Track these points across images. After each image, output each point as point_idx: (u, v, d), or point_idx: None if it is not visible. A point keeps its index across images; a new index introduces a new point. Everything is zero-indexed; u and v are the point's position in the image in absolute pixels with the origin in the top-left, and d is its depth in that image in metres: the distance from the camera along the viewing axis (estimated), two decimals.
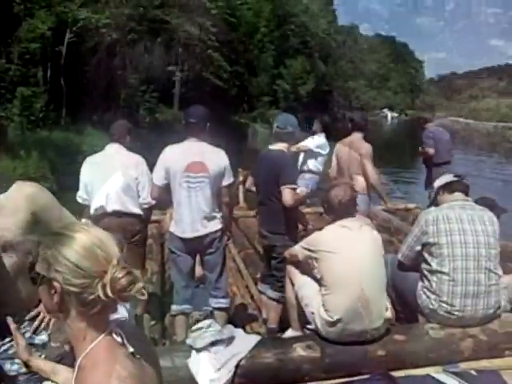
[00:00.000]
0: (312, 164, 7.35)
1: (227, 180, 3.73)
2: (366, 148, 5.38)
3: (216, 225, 3.72)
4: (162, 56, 27.87)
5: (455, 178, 3.61)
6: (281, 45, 48.02)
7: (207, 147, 3.70)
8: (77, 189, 4.13)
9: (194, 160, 3.60)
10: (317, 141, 7.21)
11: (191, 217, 3.65)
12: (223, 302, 3.83)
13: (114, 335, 1.35)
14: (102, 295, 1.26)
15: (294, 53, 53.35)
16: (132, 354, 1.35)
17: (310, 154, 7.27)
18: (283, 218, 3.89)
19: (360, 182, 5.30)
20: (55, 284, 1.29)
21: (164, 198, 3.88)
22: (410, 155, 7.62)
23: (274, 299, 4.01)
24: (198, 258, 3.90)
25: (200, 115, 3.74)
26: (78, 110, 19.56)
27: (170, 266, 4.05)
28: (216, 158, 3.67)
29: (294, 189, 3.78)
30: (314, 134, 7.32)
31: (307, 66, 54.08)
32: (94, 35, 19.85)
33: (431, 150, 7.25)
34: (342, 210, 3.29)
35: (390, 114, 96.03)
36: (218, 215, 3.74)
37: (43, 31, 17.72)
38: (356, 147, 5.38)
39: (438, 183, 3.69)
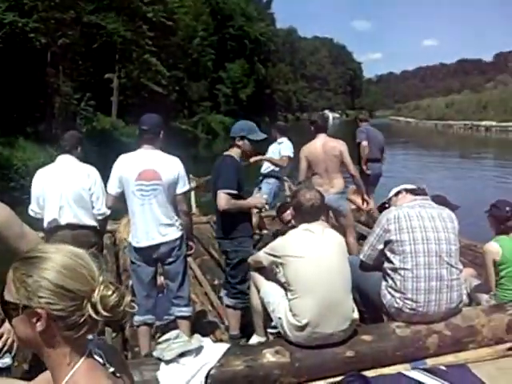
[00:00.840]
0: (277, 169, 7.13)
1: (182, 188, 3.70)
2: (344, 144, 5.50)
3: (174, 233, 3.68)
4: (98, 62, 27.08)
5: (413, 186, 3.77)
6: (220, 49, 47.88)
7: (161, 155, 3.68)
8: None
9: (146, 168, 3.58)
10: (287, 145, 6.97)
11: (146, 225, 3.62)
12: (186, 311, 3.78)
13: (95, 356, 1.31)
14: (93, 315, 1.21)
15: (234, 57, 53.42)
16: (113, 373, 1.33)
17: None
18: (233, 223, 3.91)
19: (340, 182, 5.46)
20: (39, 311, 1.20)
21: (119, 207, 3.85)
22: (353, 154, 7.68)
23: (230, 306, 4.01)
24: (159, 266, 3.86)
25: (153, 123, 3.73)
26: (8, 121, 18.52)
27: (131, 276, 4.00)
28: (169, 166, 3.64)
29: (231, 193, 3.79)
30: (275, 140, 7.06)
31: (247, 70, 54.24)
32: (22, 40, 18.80)
33: (364, 142, 7.66)
34: (312, 214, 3.31)
35: (331, 115, 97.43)
36: (177, 223, 3.71)
37: None
38: (331, 146, 5.43)
39: (396, 188, 3.80)
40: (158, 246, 3.63)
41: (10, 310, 1.25)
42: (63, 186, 4.00)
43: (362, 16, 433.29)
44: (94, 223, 4.12)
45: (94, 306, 1.21)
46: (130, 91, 31.61)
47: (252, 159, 6.63)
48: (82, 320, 1.22)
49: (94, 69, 27.61)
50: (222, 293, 4.18)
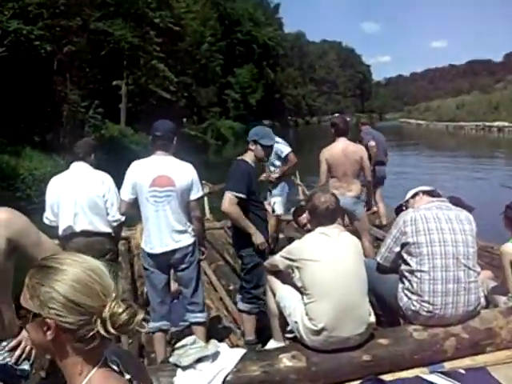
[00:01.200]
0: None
1: (195, 194, 3.69)
2: (364, 149, 5.59)
3: (187, 239, 3.68)
4: (106, 69, 27.09)
5: (429, 188, 3.75)
6: (228, 54, 47.93)
7: (174, 161, 3.67)
8: None
9: (160, 174, 3.57)
10: (282, 143, 6.70)
11: (159, 231, 3.63)
12: (200, 317, 3.78)
13: (111, 364, 1.31)
14: (102, 331, 1.21)
15: (242, 62, 53.49)
16: (129, 380, 1.33)
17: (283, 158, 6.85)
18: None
19: (358, 186, 5.44)
20: (49, 321, 1.21)
21: (133, 213, 3.85)
22: None
23: (245, 311, 4.00)
24: (172, 272, 3.89)
25: (166, 129, 3.72)
26: (15, 130, 18.42)
27: (145, 282, 4.02)
28: (183, 172, 3.64)
29: (238, 197, 3.76)
30: None
31: (256, 75, 54.29)
32: (27, 48, 18.72)
33: (372, 143, 7.64)
34: (328, 217, 3.30)
35: None
36: (189, 229, 3.71)
37: None
38: (353, 150, 5.45)
39: (413, 190, 3.79)
40: (171, 252, 3.64)
41: (23, 314, 1.27)
42: (78, 193, 4.04)
43: (370, 18, 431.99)
44: (108, 230, 4.16)
45: (103, 323, 1.21)
46: (139, 98, 31.59)
47: (262, 177, 6.50)
48: (91, 334, 1.22)
49: (101, 76, 27.56)
50: (238, 297, 4.17)
